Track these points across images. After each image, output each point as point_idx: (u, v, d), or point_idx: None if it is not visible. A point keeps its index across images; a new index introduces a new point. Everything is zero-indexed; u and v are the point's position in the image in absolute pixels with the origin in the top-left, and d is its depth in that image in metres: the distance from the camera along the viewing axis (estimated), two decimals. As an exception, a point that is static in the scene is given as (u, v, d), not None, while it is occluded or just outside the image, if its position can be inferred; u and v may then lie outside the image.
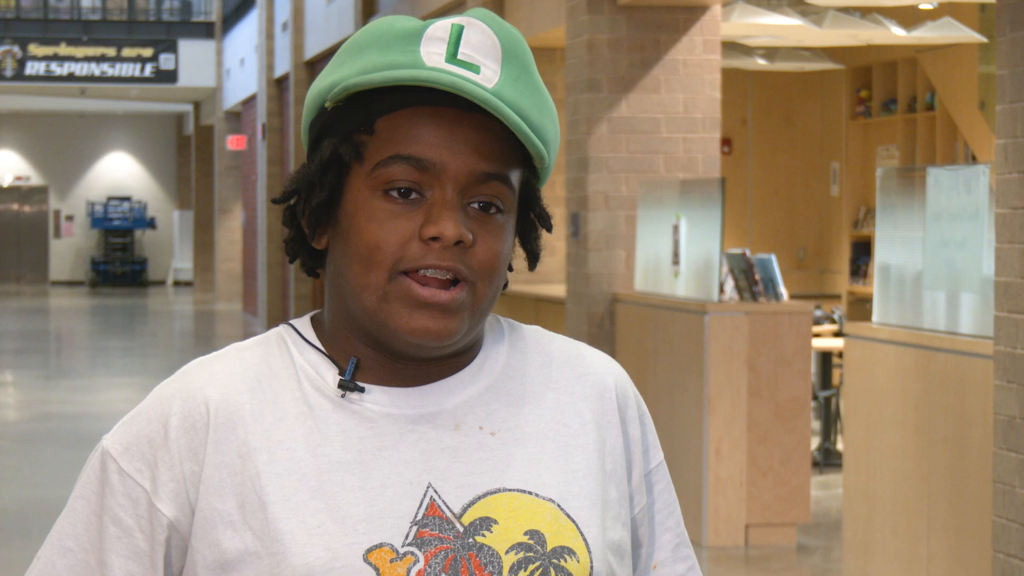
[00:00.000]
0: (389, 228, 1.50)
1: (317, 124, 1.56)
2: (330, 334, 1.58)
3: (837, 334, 10.76)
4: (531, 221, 1.59)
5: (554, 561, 1.52)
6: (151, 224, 36.86)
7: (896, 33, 11.17)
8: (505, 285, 1.58)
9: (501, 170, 1.52)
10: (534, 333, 1.65)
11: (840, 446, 10.10)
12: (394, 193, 1.50)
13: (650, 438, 1.66)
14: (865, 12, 11.29)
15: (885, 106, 14.45)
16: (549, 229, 1.60)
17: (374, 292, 1.50)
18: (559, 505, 1.54)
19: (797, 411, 8.14)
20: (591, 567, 1.53)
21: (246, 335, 21.62)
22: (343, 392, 1.54)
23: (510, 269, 1.59)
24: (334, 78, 1.54)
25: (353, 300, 1.52)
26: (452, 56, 1.51)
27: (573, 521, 1.54)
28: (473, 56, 1.51)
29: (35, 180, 37.32)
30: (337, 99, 1.53)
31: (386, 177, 1.50)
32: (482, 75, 1.51)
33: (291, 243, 1.59)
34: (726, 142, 15.08)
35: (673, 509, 1.68)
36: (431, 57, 1.51)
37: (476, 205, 1.51)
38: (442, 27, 1.52)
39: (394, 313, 1.50)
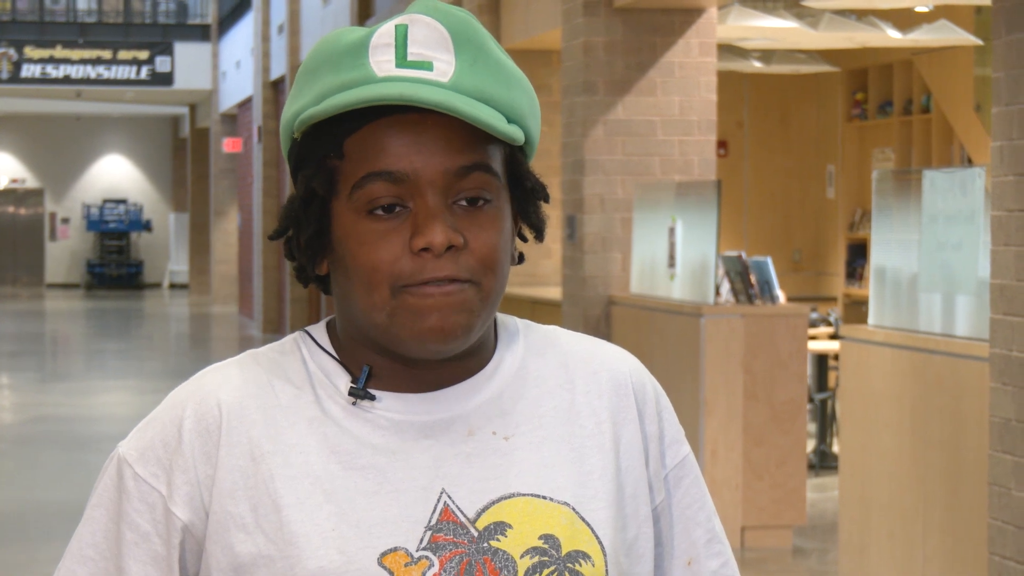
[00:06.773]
0: (380, 248, 1.49)
1: (293, 153, 1.56)
2: (343, 342, 1.58)
3: (833, 336, 10.77)
4: (526, 195, 1.57)
5: (569, 565, 1.51)
6: (147, 227, 36.83)
7: (892, 36, 11.18)
8: (522, 258, 1.58)
9: (477, 159, 1.49)
10: (550, 333, 1.64)
11: (836, 448, 10.11)
12: (378, 211, 1.49)
13: (671, 432, 1.64)
14: (861, 15, 11.30)
15: (881, 108, 14.46)
16: (546, 199, 1.58)
17: (381, 310, 1.50)
18: (574, 508, 1.53)
19: (793, 413, 8.15)
20: (606, 571, 1.53)
21: (242, 338, 21.62)
22: (354, 400, 1.54)
23: (521, 260, 1.58)
24: (296, 107, 1.54)
25: (363, 319, 1.52)
26: (402, 59, 1.49)
27: (588, 525, 1.53)
28: (423, 53, 1.50)
29: (31, 183, 37.29)
30: (302, 130, 1.53)
31: (366, 197, 1.49)
32: (437, 70, 1.49)
33: (299, 272, 1.59)
34: (722, 144, 15.09)
35: (704, 503, 1.65)
36: (381, 66, 1.49)
37: (463, 202, 1.50)
38: (387, 32, 1.51)
39: (405, 324, 1.49)
